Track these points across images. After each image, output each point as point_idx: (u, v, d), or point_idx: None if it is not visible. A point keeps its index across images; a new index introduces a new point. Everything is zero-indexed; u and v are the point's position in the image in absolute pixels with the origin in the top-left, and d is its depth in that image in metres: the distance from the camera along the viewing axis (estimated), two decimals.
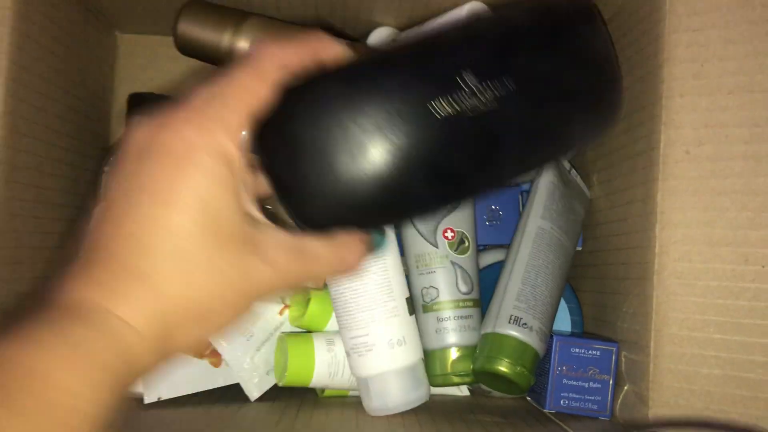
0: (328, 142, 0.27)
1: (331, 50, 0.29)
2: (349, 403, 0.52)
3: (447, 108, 0.28)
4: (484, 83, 0.29)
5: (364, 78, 0.28)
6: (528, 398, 0.52)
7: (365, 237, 0.30)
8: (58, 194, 0.51)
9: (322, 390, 0.54)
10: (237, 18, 0.51)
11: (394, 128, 0.27)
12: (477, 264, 0.50)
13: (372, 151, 0.27)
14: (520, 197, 0.55)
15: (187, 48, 0.53)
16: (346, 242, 0.29)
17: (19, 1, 0.42)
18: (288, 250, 0.28)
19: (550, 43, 0.31)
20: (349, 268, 0.30)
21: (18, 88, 0.43)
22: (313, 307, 0.51)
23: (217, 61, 0.53)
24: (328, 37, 0.30)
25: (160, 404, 0.50)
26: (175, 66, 0.62)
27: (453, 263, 0.49)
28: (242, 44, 0.51)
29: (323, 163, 0.27)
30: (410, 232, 0.50)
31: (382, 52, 0.34)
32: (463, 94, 0.28)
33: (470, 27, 0.31)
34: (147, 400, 0.49)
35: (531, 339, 0.45)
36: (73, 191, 0.54)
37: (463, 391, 0.55)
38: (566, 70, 0.31)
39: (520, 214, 0.54)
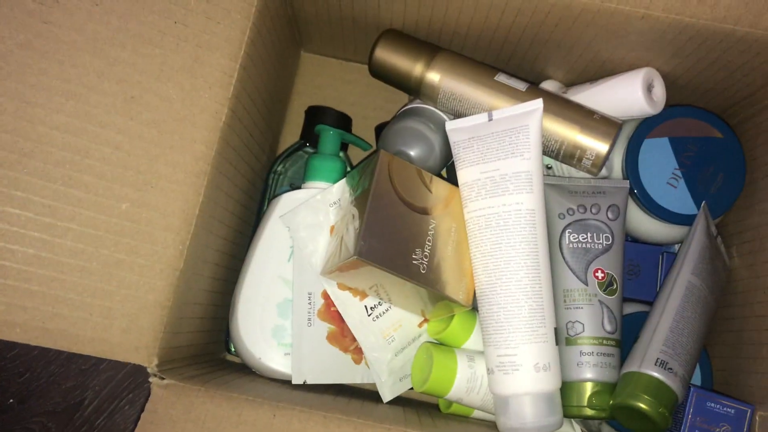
0: None
1: None
2: (473, 422, 0.55)
3: None
4: None
5: None
6: None
7: None
8: (237, 192, 0.55)
9: (447, 406, 0.56)
10: (429, 51, 0.56)
11: None
12: (622, 307, 0.53)
13: None
14: (661, 257, 0.58)
15: (379, 72, 0.58)
16: None
17: (254, 26, 0.48)
18: None
19: None
20: None
21: (237, 96, 0.48)
22: (455, 324, 0.54)
23: (403, 88, 0.58)
24: None
25: (304, 387, 0.53)
26: (349, 89, 0.68)
27: (600, 302, 0.51)
28: (431, 76, 0.56)
29: None
30: (561, 268, 0.53)
31: None
32: None
33: None
34: (295, 381, 0.52)
35: (674, 383, 0.47)
36: (247, 191, 0.58)
37: (576, 429, 0.57)
38: None
39: (658, 273, 0.57)
